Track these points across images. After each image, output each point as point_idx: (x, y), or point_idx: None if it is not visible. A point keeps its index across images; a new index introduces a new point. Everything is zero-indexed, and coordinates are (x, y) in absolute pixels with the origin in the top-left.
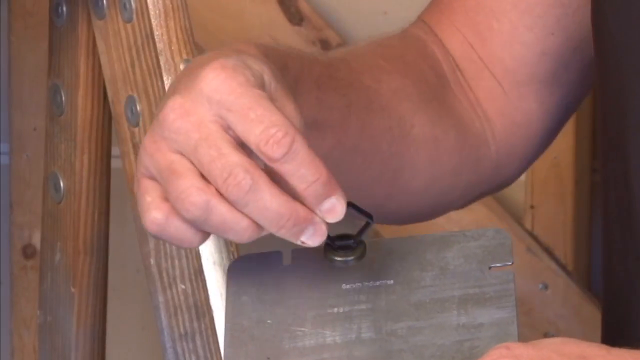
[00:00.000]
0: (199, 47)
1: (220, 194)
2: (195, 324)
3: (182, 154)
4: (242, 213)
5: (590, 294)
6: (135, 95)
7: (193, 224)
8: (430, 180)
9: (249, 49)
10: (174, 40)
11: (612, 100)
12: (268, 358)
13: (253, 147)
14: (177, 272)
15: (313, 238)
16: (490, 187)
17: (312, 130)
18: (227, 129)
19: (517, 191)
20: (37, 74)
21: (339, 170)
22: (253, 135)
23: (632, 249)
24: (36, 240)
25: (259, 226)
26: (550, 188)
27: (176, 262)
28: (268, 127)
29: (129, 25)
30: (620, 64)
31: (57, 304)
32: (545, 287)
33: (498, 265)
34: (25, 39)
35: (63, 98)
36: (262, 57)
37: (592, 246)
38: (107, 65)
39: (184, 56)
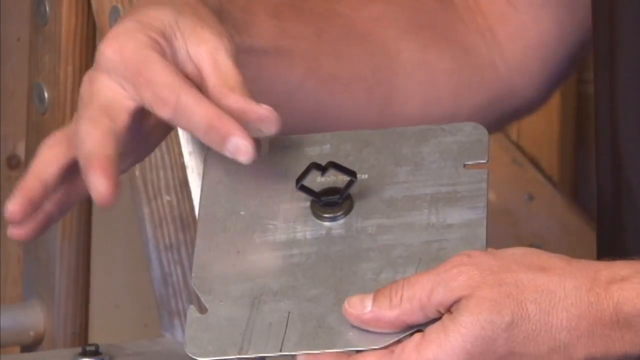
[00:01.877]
0: None
1: None
2: (181, 236)
3: None
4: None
5: (576, 205)
6: (119, 5)
7: None
8: (425, 104)
9: None
10: None
11: (603, 14)
12: (238, 252)
13: (148, 109)
14: (162, 184)
15: (238, 151)
16: (510, 110)
17: (276, 58)
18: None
19: None
20: None
21: (316, 100)
22: (145, 98)
23: (617, 165)
24: (21, 151)
25: None
26: None
27: (161, 173)
28: (155, 90)
29: None
30: None
31: None
32: (531, 198)
33: (472, 163)
34: None
35: (47, 8)
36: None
37: (578, 157)
38: None
39: None
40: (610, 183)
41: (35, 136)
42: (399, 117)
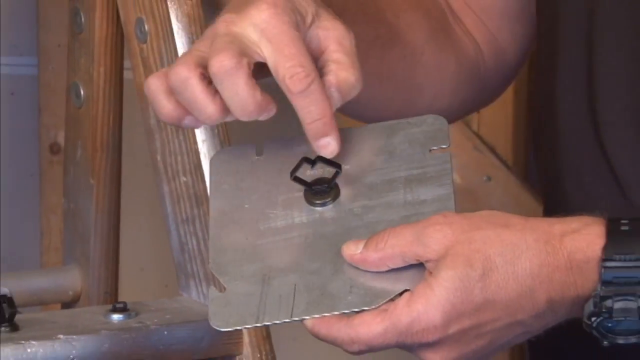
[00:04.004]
0: None
1: (206, 81)
2: (195, 211)
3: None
4: (214, 98)
5: (527, 184)
6: (143, 17)
7: (175, 94)
8: (433, 99)
9: None
10: None
11: (547, 29)
12: (246, 238)
13: (279, 77)
14: (180, 167)
15: (326, 147)
16: (479, 103)
17: None
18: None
19: None
20: None
21: (361, 92)
22: (282, 67)
23: (556, 151)
24: (61, 139)
25: (224, 111)
26: None
27: (179, 158)
28: (295, 65)
29: None
30: None
31: (79, 193)
32: (489, 179)
33: (437, 148)
34: None
35: (82, 19)
36: None
37: (529, 145)
38: None
39: None
40: (552, 167)
41: (73, 127)
42: (413, 107)
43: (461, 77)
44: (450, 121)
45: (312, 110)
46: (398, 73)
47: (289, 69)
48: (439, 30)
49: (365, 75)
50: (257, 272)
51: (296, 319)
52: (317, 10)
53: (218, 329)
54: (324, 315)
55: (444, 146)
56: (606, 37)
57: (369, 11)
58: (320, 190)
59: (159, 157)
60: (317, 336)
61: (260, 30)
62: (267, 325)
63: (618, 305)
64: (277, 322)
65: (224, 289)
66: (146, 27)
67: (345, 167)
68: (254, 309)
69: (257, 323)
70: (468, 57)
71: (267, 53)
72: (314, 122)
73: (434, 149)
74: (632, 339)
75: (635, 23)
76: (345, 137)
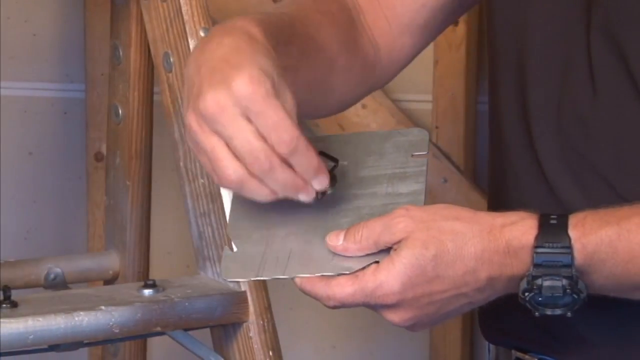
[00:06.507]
0: (212, 18)
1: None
2: (211, 206)
3: (219, 135)
4: (263, 184)
5: (475, 185)
6: (169, 51)
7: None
8: (341, 96)
9: (252, 29)
10: (196, 13)
11: (490, 48)
12: (259, 211)
13: (270, 143)
14: (198, 171)
15: (306, 198)
16: (369, 92)
17: (288, 74)
18: (251, 121)
19: (426, 116)
20: (104, 36)
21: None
22: (270, 136)
23: (503, 157)
24: (103, 149)
25: (273, 192)
26: (449, 114)
27: (197, 164)
28: (280, 132)
29: (164, 4)
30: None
31: (118, 192)
32: (445, 181)
33: (417, 153)
34: (96, 12)
35: (120, 53)
36: (264, 42)
37: (477, 154)
38: (150, 30)
39: (203, 25)
40: (499, 171)
41: (113, 139)
42: (327, 106)
43: (363, 76)
44: (345, 108)
45: (302, 162)
46: (318, 77)
47: (275, 136)
48: (348, 41)
49: (299, 83)
50: (262, 238)
51: (288, 276)
52: (275, 76)
53: (227, 279)
54: (310, 276)
55: (423, 152)
56: (535, 58)
57: (297, 31)
58: None
59: (181, 163)
60: (303, 291)
61: (245, 107)
62: (265, 279)
63: (546, 283)
64: (273, 277)
65: (234, 250)
66: (171, 59)
67: (343, 163)
68: (256, 266)
69: (256, 276)
70: (368, 61)
71: (258, 126)
72: (306, 170)
73: (415, 154)
74: (558, 311)
75: (562, 45)
76: (347, 140)
